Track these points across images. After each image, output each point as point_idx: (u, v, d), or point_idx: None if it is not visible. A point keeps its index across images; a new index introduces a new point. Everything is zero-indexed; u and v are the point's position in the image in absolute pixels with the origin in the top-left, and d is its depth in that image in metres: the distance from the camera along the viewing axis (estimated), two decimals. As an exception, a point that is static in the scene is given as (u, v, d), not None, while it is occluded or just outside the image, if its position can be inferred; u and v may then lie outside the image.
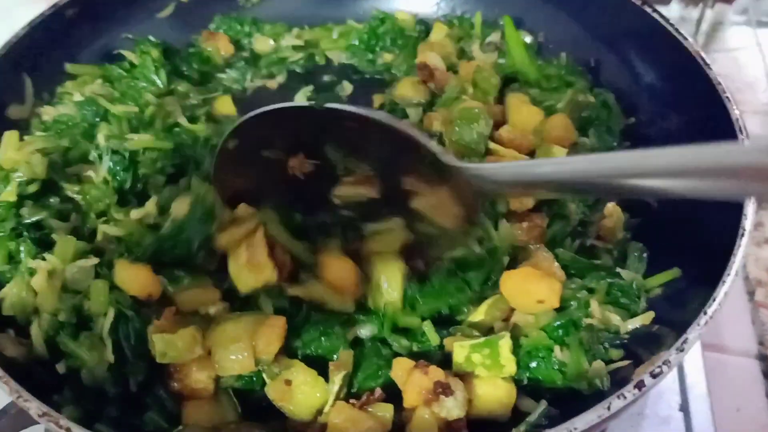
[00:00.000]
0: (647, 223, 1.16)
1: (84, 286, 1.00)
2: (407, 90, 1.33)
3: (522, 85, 1.35)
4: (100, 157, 1.16)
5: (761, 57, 1.88)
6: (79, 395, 0.92)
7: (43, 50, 1.32)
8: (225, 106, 1.37)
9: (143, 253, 1.03)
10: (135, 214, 1.09)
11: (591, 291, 1.02)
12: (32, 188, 1.08)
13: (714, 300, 0.87)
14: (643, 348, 0.94)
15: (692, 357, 1.25)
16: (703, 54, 1.16)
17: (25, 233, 1.05)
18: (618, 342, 0.99)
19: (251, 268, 0.98)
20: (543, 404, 0.90)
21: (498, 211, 1.08)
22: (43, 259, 1.01)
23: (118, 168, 1.15)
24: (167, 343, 0.93)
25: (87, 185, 1.15)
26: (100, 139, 1.18)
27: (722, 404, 1.25)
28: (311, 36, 1.54)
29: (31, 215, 1.07)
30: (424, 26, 1.51)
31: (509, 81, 1.36)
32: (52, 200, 1.10)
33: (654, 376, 0.80)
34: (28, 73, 1.29)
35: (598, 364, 0.94)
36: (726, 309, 1.41)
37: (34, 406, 0.80)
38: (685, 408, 1.19)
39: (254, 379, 0.98)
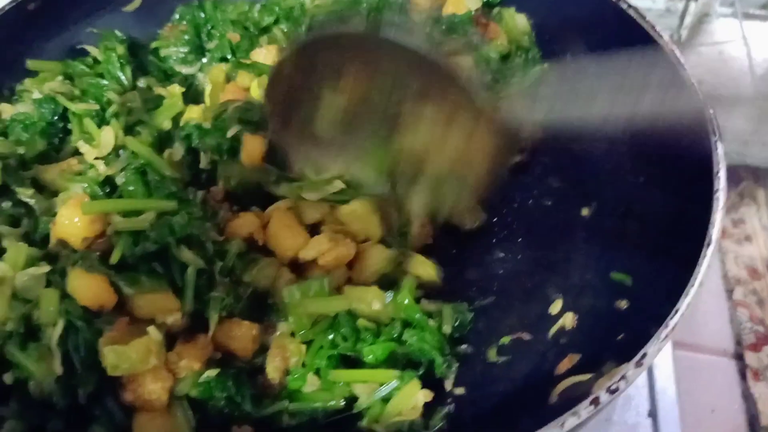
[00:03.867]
0: (613, 220, 1.14)
1: (35, 294, 0.97)
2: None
3: None
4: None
5: (746, 50, 1.85)
6: (25, 408, 0.90)
7: (4, 45, 1.29)
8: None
9: None
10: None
11: None
12: None
13: (676, 312, 0.84)
14: (606, 359, 0.91)
15: (663, 361, 1.23)
16: (678, 52, 1.12)
17: None
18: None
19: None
20: None
21: None
22: None
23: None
24: (119, 355, 0.91)
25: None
26: None
27: (697, 405, 1.24)
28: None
29: None
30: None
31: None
32: (3, 205, 1.07)
33: (611, 391, 0.78)
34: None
35: None
36: (702, 307, 1.42)
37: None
38: (653, 414, 1.17)
39: (212, 384, 0.97)
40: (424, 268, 1.15)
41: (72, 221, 1.00)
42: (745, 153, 1.68)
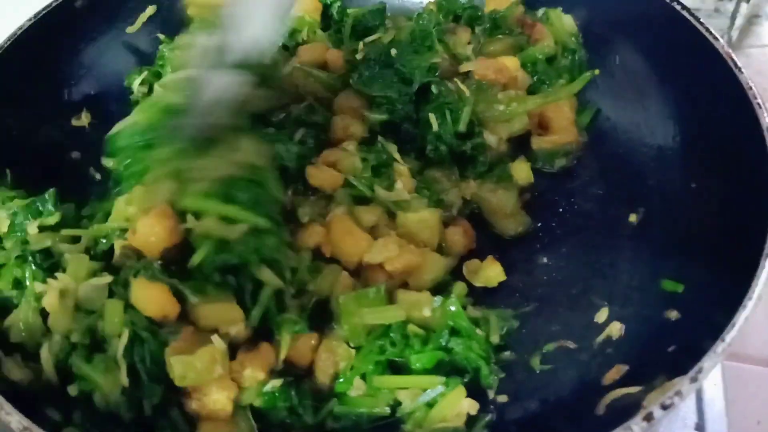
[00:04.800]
0: (663, 227, 1.12)
1: (98, 305, 0.97)
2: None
3: None
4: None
5: (797, 53, 1.80)
6: (90, 420, 0.91)
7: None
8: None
9: None
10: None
11: None
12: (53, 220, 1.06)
13: (734, 326, 0.82)
14: (656, 372, 0.89)
15: (712, 373, 1.19)
16: (734, 56, 1.09)
17: (30, 259, 1.03)
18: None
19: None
20: None
21: None
22: (55, 278, 0.98)
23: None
24: (186, 365, 0.91)
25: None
26: None
27: (743, 416, 1.20)
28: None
29: (37, 242, 1.03)
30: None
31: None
32: None
33: (665, 407, 0.76)
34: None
35: None
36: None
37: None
38: (701, 426, 1.14)
39: (276, 395, 0.97)
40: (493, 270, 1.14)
41: (154, 231, 0.99)
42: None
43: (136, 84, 1.36)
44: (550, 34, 1.35)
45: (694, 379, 0.78)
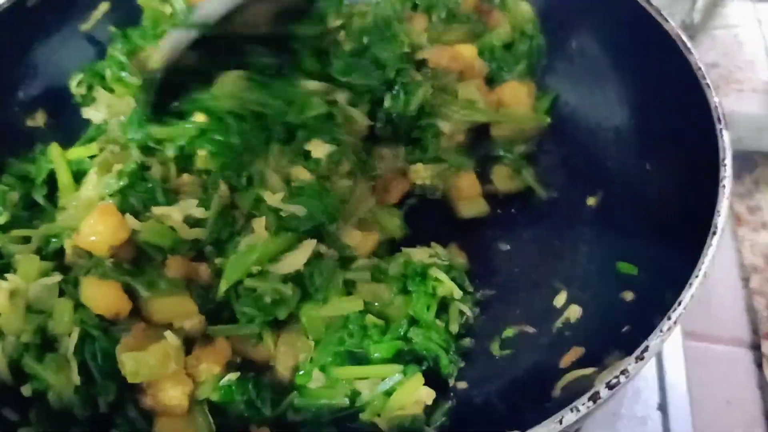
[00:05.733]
0: (620, 210, 1.13)
1: (48, 305, 0.97)
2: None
3: None
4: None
5: (761, 34, 1.80)
6: (47, 419, 0.91)
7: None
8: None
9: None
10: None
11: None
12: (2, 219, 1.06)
13: (680, 304, 0.82)
14: (610, 353, 0.89)
15: (673, 353, 1.21)
16: (684, 37, 1.09)
17: None
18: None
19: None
20: None
21: None
22: (5, 279, 0.97)
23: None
24: (138, 362, 0.91)
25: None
26: None
27: (712, 396, 1.21)
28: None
29: None
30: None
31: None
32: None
33: (611, 387, 0.76)
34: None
35: None
36: (718, 297, 1.39)
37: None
38: (663, 406, 1.15)
39: (233, 388, 0.97)
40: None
41: (97, 230, 0.99)
42: (761, 138, 1.63)
43: (73, 85, 1.33)
44: (506, 21, 1.35)
45: (640, 358, 0.78)
